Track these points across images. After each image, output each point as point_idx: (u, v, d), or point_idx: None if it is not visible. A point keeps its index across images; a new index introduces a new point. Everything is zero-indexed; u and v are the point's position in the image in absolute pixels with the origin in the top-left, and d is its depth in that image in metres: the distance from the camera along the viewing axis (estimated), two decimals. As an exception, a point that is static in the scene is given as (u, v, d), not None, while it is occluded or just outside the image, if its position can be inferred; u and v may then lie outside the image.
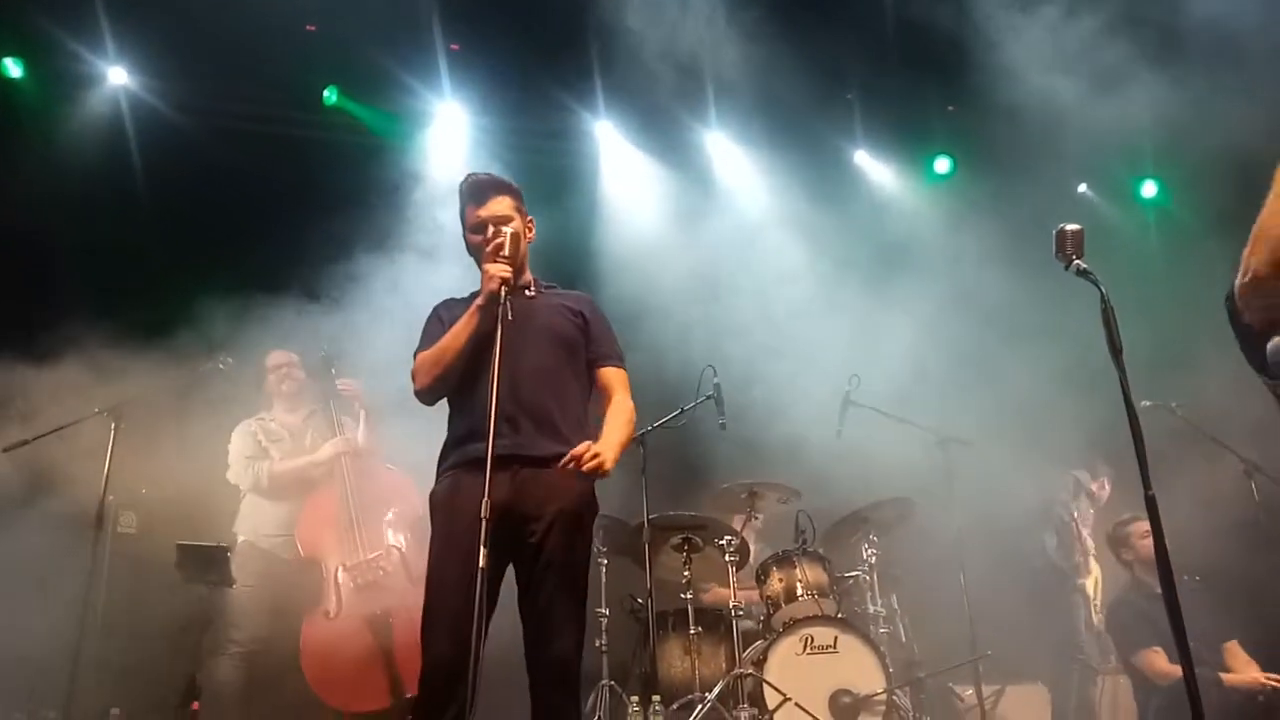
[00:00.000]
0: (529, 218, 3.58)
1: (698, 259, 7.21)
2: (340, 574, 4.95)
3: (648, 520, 5.35)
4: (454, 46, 7.18)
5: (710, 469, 6.32)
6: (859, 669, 4.82)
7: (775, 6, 6.88)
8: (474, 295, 3.40)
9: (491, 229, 3.39)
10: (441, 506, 3.22)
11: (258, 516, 5.31)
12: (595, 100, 7.58)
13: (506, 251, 3.31)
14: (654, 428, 5.70)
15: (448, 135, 7.33)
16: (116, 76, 6.74)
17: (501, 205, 3.47)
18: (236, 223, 6.49)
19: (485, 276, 3.28)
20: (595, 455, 3.11)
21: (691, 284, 7.04)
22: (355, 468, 5.24)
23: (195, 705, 4.62)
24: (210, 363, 5.36)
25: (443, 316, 3.48)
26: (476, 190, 3.49)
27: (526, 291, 3.47)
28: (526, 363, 3.27)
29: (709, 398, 5.82)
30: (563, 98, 7.53)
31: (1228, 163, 6.89)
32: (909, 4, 7.06)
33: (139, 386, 5.17)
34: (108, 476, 4.81)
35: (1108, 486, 6.75)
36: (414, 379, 3.36)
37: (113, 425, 4.87)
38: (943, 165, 8.30)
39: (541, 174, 7.43)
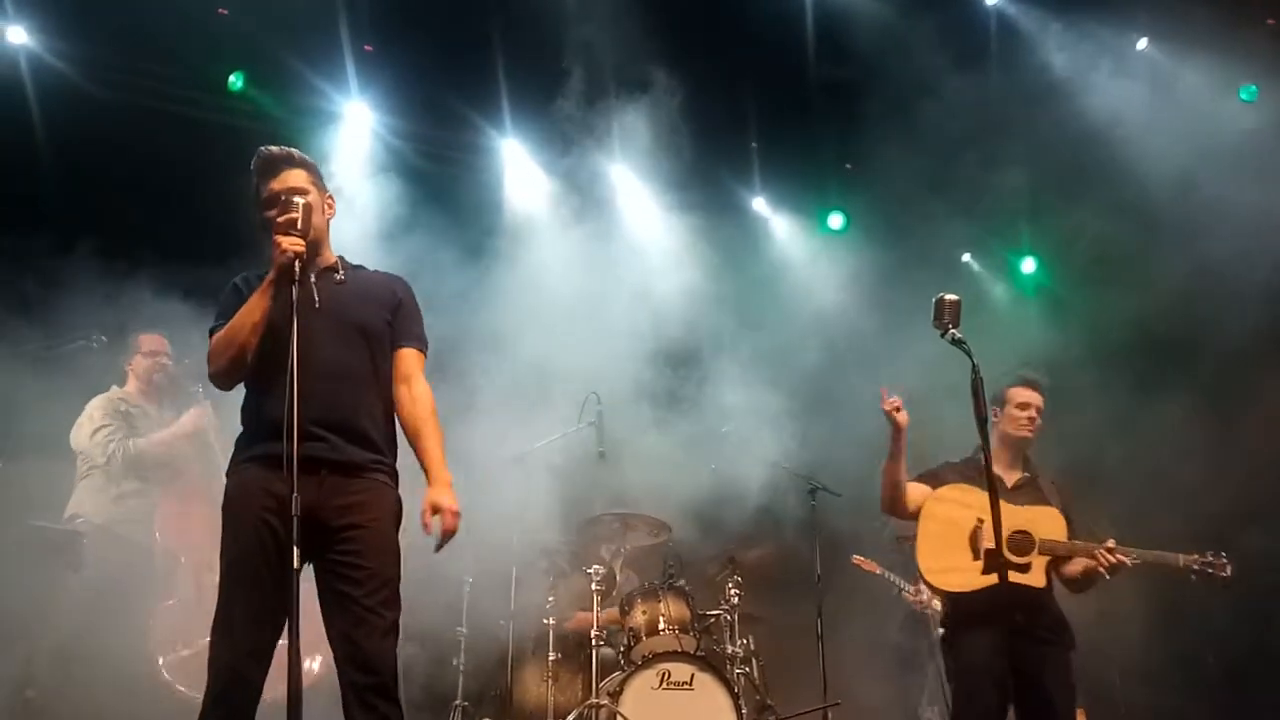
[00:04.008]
0: (327, 193, 3.30)
1: (591, 284, 7.22)
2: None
3: (516, 542, 5.35)
4: (367, 48, 7.09)
5: (585, 496, 6.32)
6: (712, 708, 4.85)
7: (688, 48, 7.01)
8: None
9: (284, 200, 3.03)
10: (230, 505, 2.98)
11: (101, 498, 4.93)
12: (503, 118, 7.57)
13: (300, 225, 2.97)
14: (533, 449, 5.71)
15: (353, 134, 7.20)
16: (15, 36, 6.43)
17: (296, 178, 3.17)
18: (134, 199, 6.23)
19: (276, 250, 2.94)
20: (446, 517, 2.99)
21: (583, 309, 7.04)
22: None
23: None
24: (81, 340, 5.10)
25: (241, 288, 3.13)
26: (268, 164, 3.18)
27: (336, 275, 3.19)
28: (327, 355, 3.00)
29: (590, 424, 5.87)
30: (471, 113, 7.50)
31: (1093, 245, 7.32)
32: (819, 63, 7.29)
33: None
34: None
35: None
36: (209, 361, 3.05)
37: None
38: (836, 221, 8.52)
39: (445, 183, 7.39)
